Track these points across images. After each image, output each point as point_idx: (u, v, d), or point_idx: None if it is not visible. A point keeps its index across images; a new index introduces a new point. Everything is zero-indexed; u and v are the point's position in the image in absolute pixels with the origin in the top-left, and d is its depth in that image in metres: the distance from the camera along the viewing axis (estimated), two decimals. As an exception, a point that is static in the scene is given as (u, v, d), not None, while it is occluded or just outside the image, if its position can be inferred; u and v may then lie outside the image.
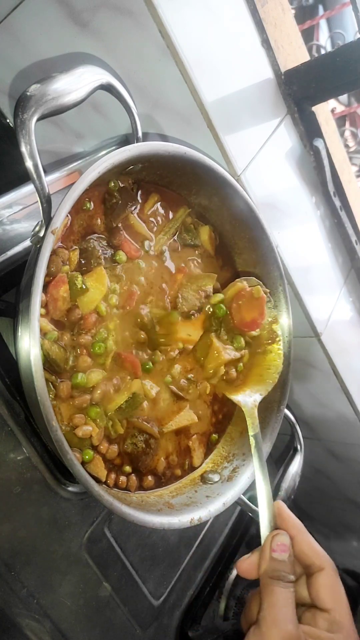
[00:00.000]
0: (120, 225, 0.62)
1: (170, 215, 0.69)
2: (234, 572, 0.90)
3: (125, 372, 0.61)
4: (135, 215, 0.64)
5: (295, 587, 0.45)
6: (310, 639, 0.43)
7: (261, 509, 0.50)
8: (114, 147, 0.79)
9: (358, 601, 0.98)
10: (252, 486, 0.65)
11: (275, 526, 0.49)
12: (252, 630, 0.43)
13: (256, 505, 0.66)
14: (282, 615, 0.42)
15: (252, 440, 0.58)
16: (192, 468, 0.68)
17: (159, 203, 0.67)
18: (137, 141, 0.62)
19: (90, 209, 0.60)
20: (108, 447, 0.58)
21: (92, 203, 0.60)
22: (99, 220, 0.60)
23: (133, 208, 0.64)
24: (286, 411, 0.74)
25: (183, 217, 0.69)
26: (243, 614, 0.49)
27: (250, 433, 0.59)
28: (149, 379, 0.63)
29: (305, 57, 0.89)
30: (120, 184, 0.62)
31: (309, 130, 0.88)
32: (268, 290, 0.70)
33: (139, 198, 0.65)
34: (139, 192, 0.65)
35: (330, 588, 0.45)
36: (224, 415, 0.74)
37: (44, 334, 0.52)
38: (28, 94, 0.47)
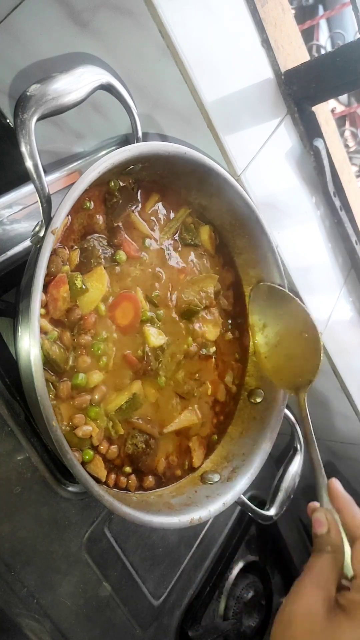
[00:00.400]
0: (120, 224, 0.62)
1: (171, 215, 0.69)
2: (234, 572, 0.90)
3: (126, 372, 0.61)
4: (137, 214, 0.64)
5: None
6: (340, 598, 0.46)
7: (317, 486, 0.57)
8: (114, 147, 0.79)
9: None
10: (252, 486, 0.65)
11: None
12: (294, 584, 0.48)
13: (255, 504, 0.67)
14: (315, 573, 0.47)
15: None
16: (192, 469, 0.68)
17: (160, 203, 0.67)
18: (137, 141, 0.62)
19: (91, 208, 0.59)
20: (108, 447, 0.58)
21: (92, 202, 0.60)
22: (100, 220, 0.60)
23: (134, 207, 0.64)
24: (286, 411, 0.74)
25: (183, 217, 0.69)
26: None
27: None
28: (151, 381, 0.63)
29: (305, 57, 0.89)
30: (120, 183, 0.62)
31: (309, 130, 0.88)
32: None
33: (139, 197, 0.65)
34: (139, 192, 0.65)
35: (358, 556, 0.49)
36: (225, 416, 0.74)
37: (44, 333, 0.52)
38: (28, 94, 0.47)
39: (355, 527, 0.51)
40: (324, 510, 0.53)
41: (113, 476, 0.59)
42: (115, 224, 0.61)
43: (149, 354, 0.62)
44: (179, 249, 0.69)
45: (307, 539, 1.13)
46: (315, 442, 0.60)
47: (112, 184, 0.61)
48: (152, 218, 0.67)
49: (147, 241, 0.65)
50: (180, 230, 0.69)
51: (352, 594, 0.47)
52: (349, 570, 0.49)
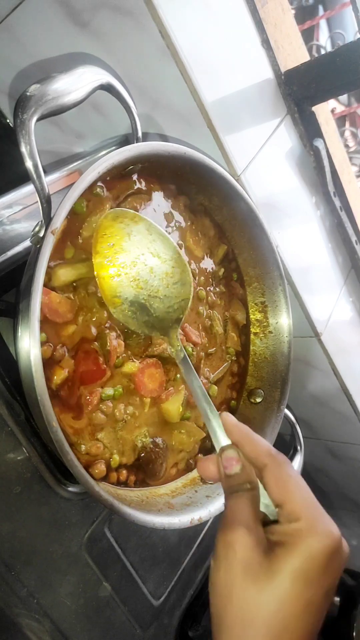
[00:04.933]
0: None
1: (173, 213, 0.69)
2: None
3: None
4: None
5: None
6: (269, 535, 0.40)
7: (208, 426, 0.48)
8: (114, 147, 0.79)
9: (358, 600, 0.98)
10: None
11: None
12: (217, 534, 0.41)
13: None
14: (238, 518, 0.40)
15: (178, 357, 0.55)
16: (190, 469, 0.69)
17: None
18: (137, 141, 0.62)
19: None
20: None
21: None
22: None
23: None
24: (286, 411, 0.74)
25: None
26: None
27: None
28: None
29: (305, 57, 0.89)
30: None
31: (309, 130, 0.88)
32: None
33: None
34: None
35: (274, 483, 0.42)
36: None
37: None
38: (28, 94, 0.47)
39: (259, 456, 0.44)
40: (232, 447, 0.46)
41: (114, 473, 0.59)
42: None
43: None
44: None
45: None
46: (198, 379, 0.52)
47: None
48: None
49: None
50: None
51: (283, 526, 0.40)
52: (269, 506, 0.43)
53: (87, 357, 0.56)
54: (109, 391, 0.58)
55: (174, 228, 0.67)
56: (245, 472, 0.44)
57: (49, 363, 0.53)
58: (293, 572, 0.37)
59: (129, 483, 0.61)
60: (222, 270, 0.73)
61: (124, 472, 0.60)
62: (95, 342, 0.57)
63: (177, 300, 0.58)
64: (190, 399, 0.65)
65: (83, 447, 0.56)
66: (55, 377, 0.53)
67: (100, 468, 0.56)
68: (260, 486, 0.43)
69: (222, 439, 0.47)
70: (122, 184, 0.62)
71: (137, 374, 0.60)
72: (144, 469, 0.62)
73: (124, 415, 0.59)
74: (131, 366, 0.60)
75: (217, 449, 0.46)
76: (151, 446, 0.62)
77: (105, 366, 0.57)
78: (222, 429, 0.47)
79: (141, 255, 0.58)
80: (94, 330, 0.57)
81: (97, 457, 0.57)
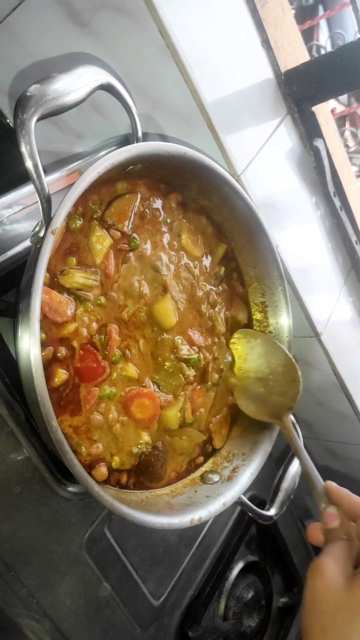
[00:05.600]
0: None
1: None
2: (234, 572, 0.90)
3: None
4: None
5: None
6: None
7: (315, 494, 0.57)
8: (114, 147, 0.79)
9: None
10: (252, 486, 0.65)
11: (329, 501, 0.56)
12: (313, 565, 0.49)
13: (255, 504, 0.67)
14: (331, 558, 0.48)
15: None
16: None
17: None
18: (137, 141, 0.62)
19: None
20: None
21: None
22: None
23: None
24: (286, 411, 0.74)
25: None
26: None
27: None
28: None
29: (305, 57, 0.89)
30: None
31: (309, 130, 0.88)
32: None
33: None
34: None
35: None
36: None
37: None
38: (28, 94, 0.47)
39: (355, 508, 0.54)
40: (332, 506, 0.55)
41: (115, 475, 0.59)
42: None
43: None
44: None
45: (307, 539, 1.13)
46: (308, 456, 0.61)
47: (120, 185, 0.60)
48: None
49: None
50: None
51: None
52: None
53: (87, 355, 0.56)
54: (108, 389, 0.58)
55: (165, 230, 0.67)
56: (343, 526, 0.52)
57: (49, 364, 0.53)
58: None
59: (129, 485, 0.61)
60: (223, 269, 0.73)
61: (125, 475, 0.60)
62: (97, 335, 0.58)
63: (290, 393, 0.67)
64: (188, 408, 0.66)
65: (83, 449, 0.56)
66: (56, 379, 0.53)
67: (102, 471, 0.56)
68: None
69: (325, 501, 0.56)
70: (106, 189, 0.61)
71: (126, 401, 0.61)
72: (144, 473, 0.62)
73: (118, 419, 0.59)
74: (132, 370, 0.60)
75: (321, 510, 0.55)
76: (151, 450, 0.62)
77: (105, 362, 0.57)
78: (325, 494, 0.56)
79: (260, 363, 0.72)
80: (95, 325, 0.57)
81: (98, 458, 0.57)
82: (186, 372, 0.66)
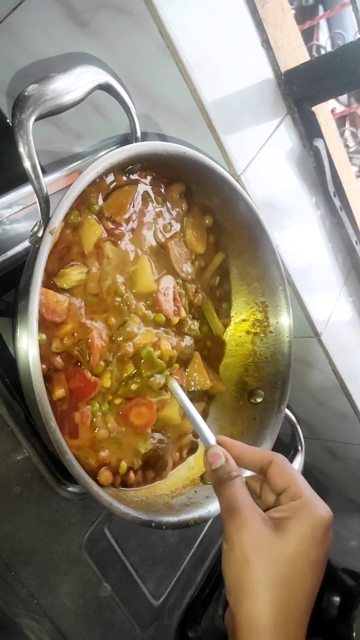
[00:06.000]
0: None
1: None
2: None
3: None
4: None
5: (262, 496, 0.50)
6: (274, 513, 0.46)
7: (200, 435, 0.55)
8: (113, 147, 0.79)
9: (358, 601, 0.98)
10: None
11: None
12: (225, 523, 0.46)
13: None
14: (235, 503, 0.46)
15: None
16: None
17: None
18: (136, 141, 0.62)
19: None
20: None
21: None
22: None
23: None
24: (287, 411, 0.74)
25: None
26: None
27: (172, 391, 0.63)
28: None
29: (305, 57, 0.89)
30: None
31: (309, 130, 0.88)
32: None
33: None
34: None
35: (281, 472, 0.49)
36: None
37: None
38: (26, 94, 0.47)
39: (264, 457, 0.51)
40: (215, 445, 0.52)
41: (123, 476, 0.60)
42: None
43: None
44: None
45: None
46: (196, 410, 0.58)
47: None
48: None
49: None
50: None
51: (288, 504, 0.46)
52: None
53: (74, 375, 0.56)
54: (97, 406, 0.58)
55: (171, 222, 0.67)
56: (229, 463, 0.50)
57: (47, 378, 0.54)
58: (302, 537, 0.44)
59: (135, 484, 0.61)
60: (218, 279, 0.74)
61: (132, 474, 0.60)
62: (77, 346, 0.56)
63: None
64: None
65: (92, 461, 0.57)
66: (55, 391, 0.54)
67: (105, 475, 0.56)
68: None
69: (209, 440, 0.53)
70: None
71: (124, 412, 0.61)
72: (152, 467, 0.63)
73: (117, 429, 0.60)
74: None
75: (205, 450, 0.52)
76: (157, 445, 0.62)
77: (94, 378, 0.56)
78: (209, 433, 0.54)
79: None
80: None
81: (105, 463, 0.57)
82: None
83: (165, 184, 0.67)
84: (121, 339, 0.59)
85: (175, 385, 0.62)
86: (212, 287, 0.75)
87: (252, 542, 0.44)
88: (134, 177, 0.63)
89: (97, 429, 0.58)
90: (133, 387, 0.60)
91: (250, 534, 0.44)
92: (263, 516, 0.46)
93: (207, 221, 0.72)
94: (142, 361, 0.60)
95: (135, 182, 0.63)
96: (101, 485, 0.56)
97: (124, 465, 0.59)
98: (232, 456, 0.51)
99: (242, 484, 0.48)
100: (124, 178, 0.62)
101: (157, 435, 0.64)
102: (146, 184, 0.65)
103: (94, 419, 0.57)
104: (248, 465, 0.51)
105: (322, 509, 0.45)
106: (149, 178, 0.65)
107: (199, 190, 0.69)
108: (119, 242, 0.61)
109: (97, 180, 0.55)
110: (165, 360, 0.62)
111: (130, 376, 0.61)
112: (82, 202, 0.58)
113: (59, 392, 0.54)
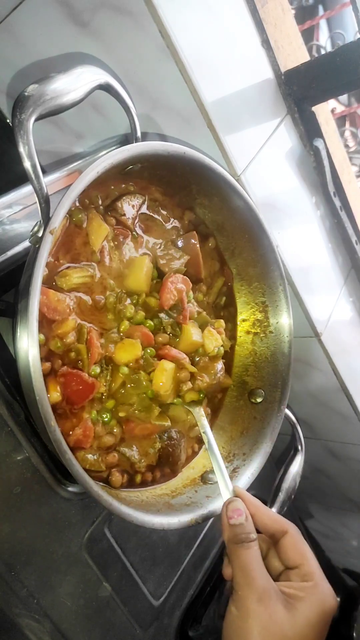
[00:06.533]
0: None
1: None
2: (234, 572, 0.90)
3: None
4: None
5: (267, 558, 0.52)
6: (285, 588, 0.48)
7: (221, 488, 0.55)
8: (114, 147, 0.79)
9: (358, 601, 0.98)
10: (252, 486, 0.65)
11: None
12: (231, 598, 0.48)
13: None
14: (253, 574, 0.47)
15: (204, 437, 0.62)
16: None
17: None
18: (136, 141, 0.62)
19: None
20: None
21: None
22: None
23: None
24: (287, 411, 0.74)
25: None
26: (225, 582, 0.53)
27: (201, 430, 0.63)
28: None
29: (305, 57, 0.89)
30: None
31: (309, 130, 0.88)
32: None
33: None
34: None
35: (295, 546, 0.50)
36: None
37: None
38: (26, 94, 0.47)
39: (282, 524, 0.52)
40: (238, 500, 0.53)
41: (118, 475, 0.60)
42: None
43: None
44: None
45: (308, 539, 1.13)
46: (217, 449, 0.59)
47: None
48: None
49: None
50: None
51: (299, 583, 0.48)
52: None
53: (70, 379, 0.55)
54: (94, 414, 0.58)
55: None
56: (248, 522, 0.50)
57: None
58: (312, 621, 0.46)
59: (152, 481, 0.62)
60: (224, 299, 0.76)
61: (145, 472, 0.61)
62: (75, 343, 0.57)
63: None
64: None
65: (103, 466, 0.58)
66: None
67: (116, 476, 0.57)
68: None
69: (229, 489, 0.53)
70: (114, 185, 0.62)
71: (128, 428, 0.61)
72: (165, 463, 0.63)
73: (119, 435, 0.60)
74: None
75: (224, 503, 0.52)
76: (167, 441, 0.62)
77: (91, 379, 0.56)
78: (229, 481, 0.54)
79: None
80: (72, 336, 0.57)
81: (112, 466, 0.58)
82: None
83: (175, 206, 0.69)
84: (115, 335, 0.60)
85: (204, 422, 0.63)
86: (216, 306, 0.76)
87: (265, 618, 0.46)
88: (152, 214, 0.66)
89: (102, 437, 0.58)
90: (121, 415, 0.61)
91: (265, 610, 0.46)
92: (276, 590, 0.47)
93: (210, 244, 0.73)
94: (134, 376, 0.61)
95: (143, 193, 0.65)
96: (113, 487, 0.56)
97: (141, 465, 0.60)
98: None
99: (258, 549, 0.49)
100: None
101: (167, 434, 0.64)
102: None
103: (96, 429, 0.58)
104: (260, 528, 0.52)
105: (331, 596, 0.48)
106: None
107: (198, 190, 0.69)
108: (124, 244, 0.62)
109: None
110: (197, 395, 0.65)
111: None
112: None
113: (55, 396, 0.54)
